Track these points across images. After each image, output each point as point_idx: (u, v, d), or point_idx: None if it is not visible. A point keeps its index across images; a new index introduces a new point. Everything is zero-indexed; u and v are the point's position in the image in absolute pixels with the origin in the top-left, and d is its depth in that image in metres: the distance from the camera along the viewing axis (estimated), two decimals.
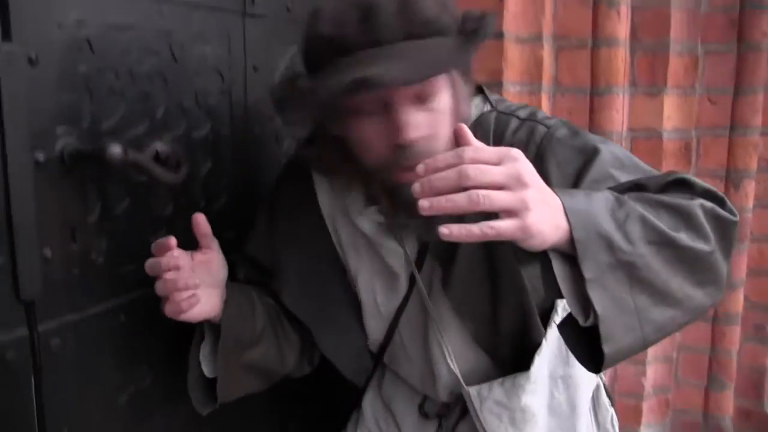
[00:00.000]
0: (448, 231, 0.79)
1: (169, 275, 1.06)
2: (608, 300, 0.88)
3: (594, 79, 2.16)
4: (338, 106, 1.06)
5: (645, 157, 2.24)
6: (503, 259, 1.19)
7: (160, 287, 1.07)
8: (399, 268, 1.27)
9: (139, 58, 1.16)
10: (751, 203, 2.49)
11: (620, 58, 2.16)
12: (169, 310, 1.07)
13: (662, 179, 1.04)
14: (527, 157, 0.86)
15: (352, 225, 1.28)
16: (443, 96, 1.08)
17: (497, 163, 0.81)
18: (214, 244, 1.17)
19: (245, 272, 1.35)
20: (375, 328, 1.36)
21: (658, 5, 2.23)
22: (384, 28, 0.99)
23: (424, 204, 0.79)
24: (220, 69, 1.36)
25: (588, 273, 0.86)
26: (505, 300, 1.23)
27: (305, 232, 1.32)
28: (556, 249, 0.88)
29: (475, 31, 1.05)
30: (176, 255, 1.07)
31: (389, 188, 1.13)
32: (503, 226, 0.80)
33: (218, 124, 1.36)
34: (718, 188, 1.05)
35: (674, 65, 2.28)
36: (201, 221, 1.13)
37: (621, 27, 2.14)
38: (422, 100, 1.05)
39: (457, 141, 0.88)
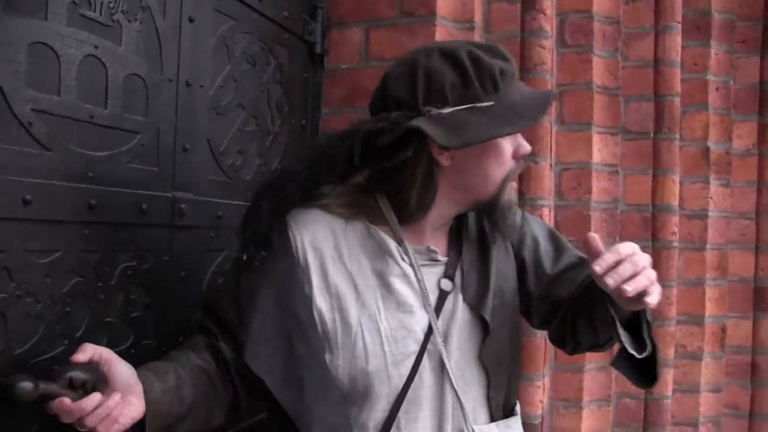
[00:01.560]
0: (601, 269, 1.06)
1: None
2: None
3: None
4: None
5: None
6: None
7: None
8: (416, 311, 1.29)
9: (60, 281, 1.16)
10: (670, 390, 2.56)
11: None
12: None
13: None
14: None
15: (369, 266, 1.28)
16: None
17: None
18: (110, 355, 1.11)
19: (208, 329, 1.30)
20: (379, 375, 1.25)
21: (578, 206, 2.36)
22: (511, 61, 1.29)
23: (627, 288, 1.03)
24: (146, 282, 1.37)
25: (649, 318, 1.23)
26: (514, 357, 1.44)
27: (276, 280, 1.26)
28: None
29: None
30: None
31: (504, 200, 1.31)
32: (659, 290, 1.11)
33: (141, 337, 1.35)
34: None
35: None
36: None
37: None
38: None
39: (590, 246, 1.10)
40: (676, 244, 2.56)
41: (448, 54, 1.23)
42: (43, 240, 1.13)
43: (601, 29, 2.44)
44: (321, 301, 1.25)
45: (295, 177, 1.29)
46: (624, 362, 1.23)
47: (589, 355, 2.35)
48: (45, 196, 1.13)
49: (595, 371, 2.44)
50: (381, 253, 1.28)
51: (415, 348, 1.26)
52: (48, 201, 1.13)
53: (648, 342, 1.21)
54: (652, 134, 2.54)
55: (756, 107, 2.74)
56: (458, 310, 1.31)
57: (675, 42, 2.54)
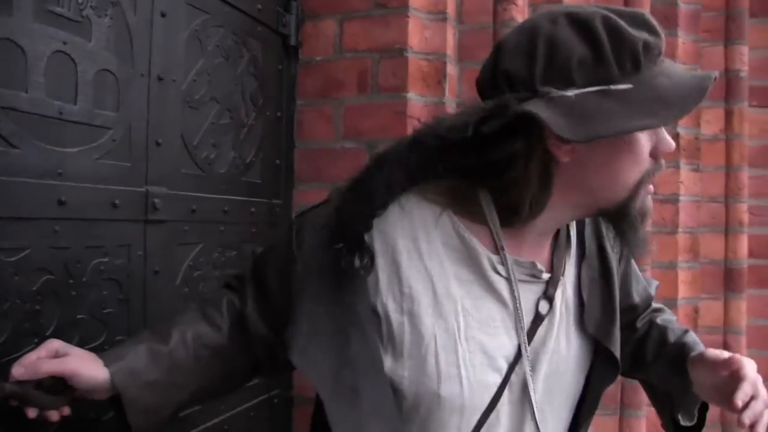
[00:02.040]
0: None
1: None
2: None
3: None
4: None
5: None
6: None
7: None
8: (501, 334, 1.09)
9: (29, 279, 1.17)
10: None
11: None
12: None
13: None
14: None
15: (453, 271, 1.07)
16: None
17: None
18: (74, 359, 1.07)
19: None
20: (452, 404, 1.05)
21: None
22: (661, 37, 1.02)
23: (759, 429, 1.03)
24: (119, 278, 1.37)
25: None
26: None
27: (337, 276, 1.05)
28: None
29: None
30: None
31: (638, 206, 1.05)
32: None
33: (114, 333, 1.36)
34: None
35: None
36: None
37: None
38: None
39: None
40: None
41: (580, 21, 0.98)
42: (11, 238, 1.13)
43: None
44: (389, 298, 1.04)
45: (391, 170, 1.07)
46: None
47: None
48: (13, 193, 1.13)
49: None
50: (468, 259, 1.07)
51: (495, 379, 1.07)
52: (16, 198, 1.14)
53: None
54: None
55: (723, 94, 2.78)
56: (552, 338, 1.12)
57: None
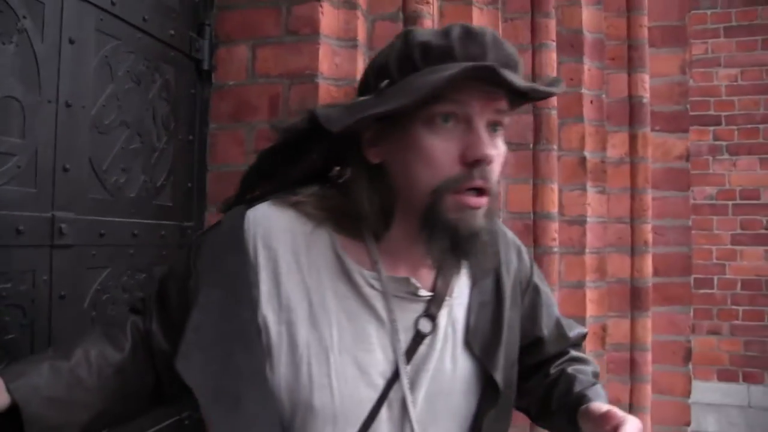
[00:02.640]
0: None
1: None
2: None
3: None
4: (415, 112, 1.03)
5: None
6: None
7: None
8: (375, 350, 1.11)
9: None
10: None
11: None
12: None
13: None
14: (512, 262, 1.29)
15: (330, 285, 1.11)
16: (503, 136, 1.10)
17: None
18: None
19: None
20: (324, 415, 1.07)
21: None
22: (486, 47, 1.03)
23: None
24: (22, 303, 1.38)
25: None
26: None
27: (224, 276, 1.11)
28: None
29: (549, 92, 1.15)
30: None
31: (440, 218, 1.04)
32: None
33: (16, 359, 1.35)
34: None
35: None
36: None
37: None
38: (494, 127, 1.07)
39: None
40: (556, 249, 2.69)
41: (402, 35, 1.10)
42: None
43: None
44: (269, 310, 1.08)
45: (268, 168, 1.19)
46: None
47: None
48: None
49: None
50: (344, 275, 1.11)
51: (370, 395, 1.09)
52: None
53: None
54: (531, 145, 2.67)
55: (627, 119, 2.93)
56: (434, 358, 1.14)
57: (551, 58, 2.68)
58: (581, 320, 2.75)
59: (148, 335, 1.19)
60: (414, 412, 1.10)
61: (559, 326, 1.39)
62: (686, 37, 3.11)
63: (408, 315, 1.13)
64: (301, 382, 1.06)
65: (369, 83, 1.10)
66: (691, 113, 3.21)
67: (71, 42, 1.54)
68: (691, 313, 3.04)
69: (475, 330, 1.19)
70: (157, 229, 1.87)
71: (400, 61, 1.05)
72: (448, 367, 1.16)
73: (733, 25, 6.21)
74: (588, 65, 2.81)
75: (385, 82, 1.04)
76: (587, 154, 2.80)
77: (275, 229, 1.11)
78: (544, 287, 1.40)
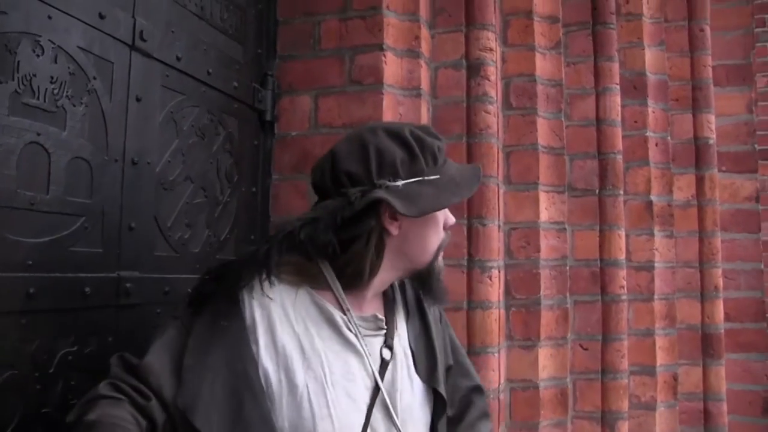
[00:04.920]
0: None
1: None
2: None
3: (470, 339, 2.24)
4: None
5: (523, 406, 2.37)
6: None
7: None
8: (358, 381, 1.29)
9: None
10: None
11: (494, 319, 2.25)
12: None
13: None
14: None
15: (315, 332, 1.28)
16: None
17: None
18: None
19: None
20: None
21: (527, 265, 2.41)
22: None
23: None
24: (88, 366, 1.36)
25: None
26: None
27: (227, 340, 1.22)
28: None
29: None
30: None
31: (435, 268, 1.39)
32: None
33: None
34: (594, 431, 1.27)
35: (546, 318, 2.43)
36: None
37: (493, 290, 2.26)
38: None
39: None
40: (624, 296, 2.61)
41: (394, 133, 1.31)
42: None
43: (545, 91, 2.52)
44: (267, 361, 1.22)
45: (252, 262, 1.28)
46: None
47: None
48: None
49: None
50: (325, 321, 1.29)
51: (359, 419, 1.26)
52: None
53: None
54: (597, 191, 2.61)
55: (693, 160, 2.85)
56: (399, 379, 1.34)
57: (615, 102, 2.63)
58: (651, 369, 2.66)
59: (148, 412, 1.18)
60: (398, 421, 1.29)
61: (463, 366, 1.58)
62: (752, 75, 3.04)
63: (375, 346, 1.33)
64: (304, 416, 1.21)
65: (386, 171, 1.28)
66: None
67: (138, 100, 1.55)
68: (767, 361, 2.92)
69: (418, 357, 1.40)
70: None
71: (425, 156, 1.31)
72: (407, 387, 1.35)
73: None
74: (652, 107, 2.75)
75: (436, 176, 1.30)
76: (654, 197, 2.73)
77: (270, 293, 1.27)
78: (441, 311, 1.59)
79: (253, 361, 1.21)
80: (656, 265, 2.72)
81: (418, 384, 1.38)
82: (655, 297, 2.71)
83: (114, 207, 1.47)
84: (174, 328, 1.24)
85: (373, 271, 1.31)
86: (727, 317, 2.86)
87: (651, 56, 2.79)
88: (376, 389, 1.29)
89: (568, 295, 2.54)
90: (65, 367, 1.31)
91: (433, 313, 1.50)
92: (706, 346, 2.82)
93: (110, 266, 1.45)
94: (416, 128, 1.35)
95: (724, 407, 2.79)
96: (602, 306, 2.58)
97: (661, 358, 2.71)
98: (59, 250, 1.31)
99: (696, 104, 2.87)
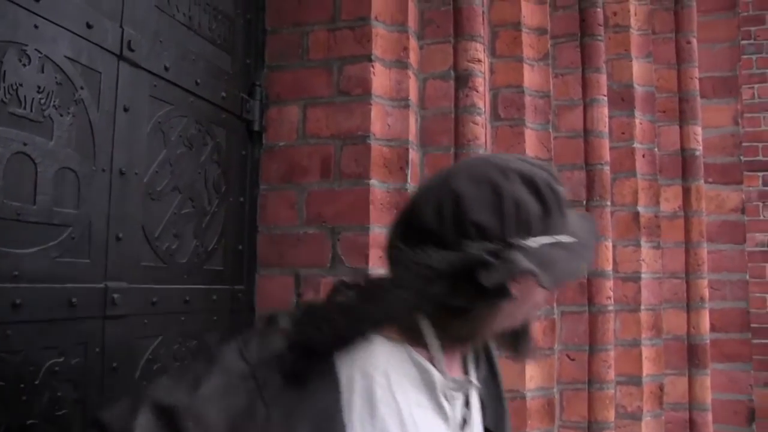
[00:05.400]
0: None
1: None
2: None
3: None
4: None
5: (510, 416, 2.36)
6: None
7: None
8: None
9: None
10: None
11: None
12: None
13: None
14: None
15: (413, 397, 1.09)
16: None
17: None
18: None
19: None
20: None
21: None
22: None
23: None
24: (74, 378, 1.36)
25: None
26: None
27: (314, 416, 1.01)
28: None
29: None
30: None
31: (522, 328, 1.20)
32: None
33: None
34: None
35: (533, 329, 2.43)
36: None
37: None
38: None
39: None
40: (611, 307, 2.61)
41: (528, 179, 1.06)
42: None
43: (533, 103, 2.53)
44: None
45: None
46: None
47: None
48: None
49: None
50: (424, 385, 1.10)
51: None
52: None
53: None
54: (584, 201, 2.62)
55: (679, 172, 2.86)
56: None
57: (602, 113, 2.64)
58: (637, 379, 2.67)
59: None
60: None
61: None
62: (738, 87, 3.05)
63: (458, 407, 1.16)
64: None
65: (552, 218, 1.08)
66: None
67: (125, 110, 1.55)
68: (752, 370, 2.93)
69: (488, 405, 1.26)
70: (209, 294, 1.85)
71: (558, 210, 1.08)
72: None
73: None
74: (639, 119, 2.77)
75: (562, 237, 1.08)
76: (641, 208, 2.74)
77: (369, 356, 1.07)
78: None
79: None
80: (643, 275, 2.72)
81: None
82: (642, 307, 2.71)
83: (101, 217, 1.46)
84: (238, 377, 0.99)
85: (487, 336, 1.17)
86: (713, 327, 2.86)
87: (638, 68, 2.80)
88: None
89: (555, 305, 2.54)
90: (51, 379, 1.31)
91: (496, 356, 1.36)
92: (691, 356, 2.82)
93: (97, 277, 1.44)
94: (545, 170, 1.10)
95: (710, 417, 2.79)
96: (589, 316, 2.58)
97: (647, 369, 2.71)
98: (46, 260, 1.31)
99: (683, 116, 2.88)
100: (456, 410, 1.14)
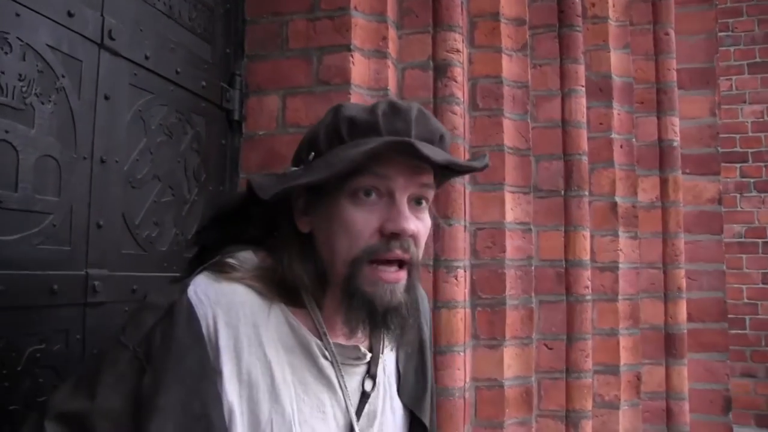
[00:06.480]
0: None
1: None
2: None
3: (436, 338, 2.25)
4: (339, 184, 1.05)
5: (488, 405, 2.40)
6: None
7: None
8: (328, 418, 1.12)
9: None
10: None
11: (459, 318, 2.28)
12: None
13: None
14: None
15: (286, 358, 1.09)
16: (428, 211, 1.13)
17: None
18: None
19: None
20: None
21: (493, 265, 2.45)
22: (410, 123, 1.06)
23: None
24: (56, 364, 1.37)
25: None
26: None
27: (182, 375, 1.01)
28: None
29: (469, 166, 1.17)
30: None
31: (357, 290, 1.06)
32: None
33: None
34: (558, 430, 1.21)
35: (511, 318, 2.46)
36: None
37: (459, 290, 2.29)
38: (418, 201, 1.10)
39: None
40: (589, 297, 2.65)
41: (335, 113, 1.11)
42: None
43: (511, 93, 2.55)
44: (232, 394, 1.03)
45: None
46: None
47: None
48: None
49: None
50: (299, 346, 1.10)
51: None
52: None
53: None
54: (562, 192, 2.65)
55: (657, 163, 2.90)
56: (379, 412, 1.19)
57: (580, 104, 2.67)
58: (615, 368, 2.71)
59: None
60: None
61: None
62: (715, 79, 3.09)
63: (354, 378, 1.16)
64: None
65: (301, 155, 1.14)
66: None
67: (106, 98, 1.55)
68: (728, 360, 2.98)
69: (405, 382, 1.26)
70: None
71: (328, 135, 1.08)
72: (389, 418, 1.21)
73: (758, 62, 6.19)
74: (617, 109, 2.80)
75: (312, 154, 1.09)
76: (618, 199, 2.77)
77: (235, 305, 1.07)
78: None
79: (216, 398, 1.02)
80: (620, 265, 2.76)
81: (401, 414, 1.24)
82: (619, 297, 2.74)
83: (82, 205, 1.47)
84: (125, 362, 1.02)
85: (315, 282, 1.11)
86: (690, 317, 2.90)
87: (616, 59, 2.83)
88: (351, 428, 1.12)
89: (533, 295, 2.57)
90: (33, 365, 1.31)
91: (429, 328, 1.36)
92: (669, 345, 2.86)
93: (78, 264, 1.45)
94: (386, 104, 1.11)
95: (686, 406, 2.83)
96: (567, 306, 2.62)
97: (624, 358, 2.75)
98: (27, 247, 1.31)
99: (660, 107, 2.91)
100: (349, 380, 1.14)
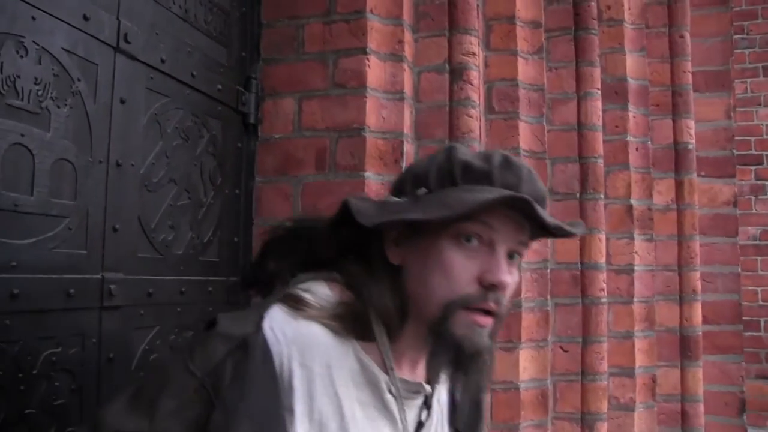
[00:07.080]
0: None
1: None
2: None
3: None
4: (445, 226, 1.05)
5: (504, 408, 2.39)
6: None
7: None
8: None
9: None
10: None
11: None
12: None
13: None
14: None
15: (355, 394, 1.08)
16: (519, 266, 1.13)
17: None
18: None
19: None
20: None
21: None
22: (521, 179, 1.06)
23: None
24: (71, 368, 1.37)
25: None
26: None
27: (253, 412, 1.01)
28: None
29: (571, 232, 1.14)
30: None
31: (447, 332, 1.05)
32: None
33: (65, 425, 1.34)
34: None
35: (527, 320, 2.45)
36: None
37: None
38: (512, 256, 1.09)
39: None
40: (604, 299, 2.63)
41: (448, 153, 1.12)
42: None
43: (527, 96, 2.54)
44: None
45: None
46: None
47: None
48: None
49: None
50: (368, 384, 1.09)
51: None
52: None
53: None
54: (578, 194, 2.63)
55: (672, 165, 2.88)
56: None
57: (596, 106, 2.66)
58: (630, 371, 2.69)
59: None
60: None
61: None
62: (730, 81, 3.07)
63: (413, 411, 1.15)
64: None
65: (405, 187, 1.13)
66: None
67: (122, 102, 1.55)
68: (743, 362, 2.96)
69: (461, 412, 1.26)
70: (205, 285, 1.86)
71: (440, 174, 1.09)
72: None
73: None
74: (633, 112, 2.78)
75: (423, 190, 1.08)
76: (634, 201, 2.75)
77: (311, 347, 1.06)
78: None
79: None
80: (636, 268, 2.74)
81: None
82: (635, 300, 2.73)
83: (98, 208, 1.47)
84: (191, 390, 1.01)
85: (398, 314, 1.10)
86: (705, 320, 2.89)
87: (632, 62, 2.82)
88: None
89: (549, 297, 2.56)
90: (49, 368, 1.31)
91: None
92: (684, 348, 2.85)
93: (94, 268, 1.45)
94: (470, 153, 1.12)
95: (701, 408, 2.82)
96: (582, 308, 2.60)
97: (640, 360, 2.73)
98: (43, 251, 1.31)
99: (676, 109, 2.90)
100: (409, 412, 1.13)
